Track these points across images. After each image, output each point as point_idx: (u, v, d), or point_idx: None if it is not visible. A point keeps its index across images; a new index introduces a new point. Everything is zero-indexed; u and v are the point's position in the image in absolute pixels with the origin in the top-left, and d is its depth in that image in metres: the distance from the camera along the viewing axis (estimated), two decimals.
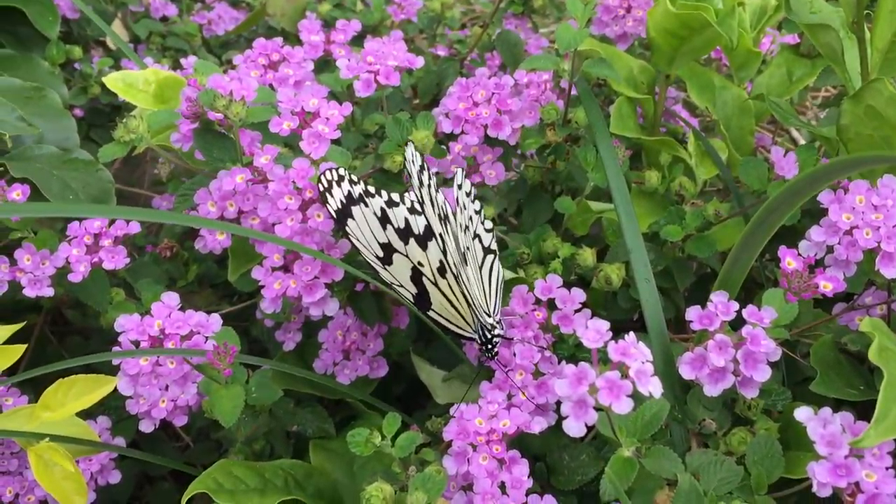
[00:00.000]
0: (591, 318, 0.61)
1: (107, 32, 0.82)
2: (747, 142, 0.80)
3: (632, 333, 0.47)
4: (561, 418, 0.61)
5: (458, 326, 0.61)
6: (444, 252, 0.58)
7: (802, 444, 0.56)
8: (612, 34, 0.85)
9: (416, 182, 0.59)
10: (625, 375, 0.45)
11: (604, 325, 0.48)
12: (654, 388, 0.45)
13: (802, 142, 1.06)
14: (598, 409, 0.46)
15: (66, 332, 0.93)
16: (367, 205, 0.60)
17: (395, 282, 0.60)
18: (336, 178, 0.60)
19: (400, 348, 0.75)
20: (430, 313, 0.61)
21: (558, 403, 0.61)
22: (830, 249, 0.56)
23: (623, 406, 0.44)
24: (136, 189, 1.08)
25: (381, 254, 0.60)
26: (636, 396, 0.46)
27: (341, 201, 0.59)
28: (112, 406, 0.71)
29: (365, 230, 0.60)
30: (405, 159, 0.60)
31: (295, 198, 0.62)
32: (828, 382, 0.58)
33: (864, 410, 0.61)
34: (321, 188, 0.59)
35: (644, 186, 0.72)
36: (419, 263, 0.60)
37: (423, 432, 0.62)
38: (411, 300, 0.61)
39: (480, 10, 1.40)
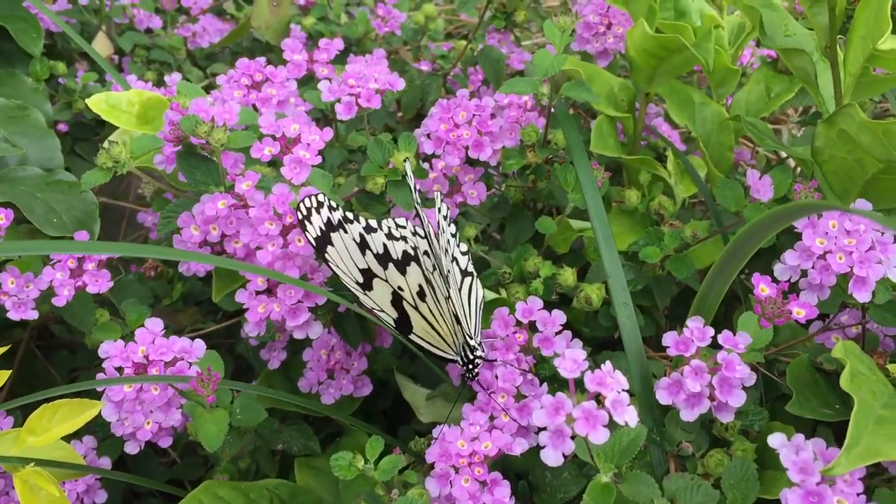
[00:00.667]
0: (572, 339, 0.62)
1: (89, 52, 0.82)
2: (727, 158, 0.81)
3: (608, 362, 0.48)
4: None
5: (439, 349, 0.62)
6: (441, 273, 0.59)
7: (779, 463, 0.57)
8: (592, 51, 0.85)
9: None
10: (601, 405, 0.46)
11: (580, 354, 0.48)
12: (629, 417, 0.46)
13: (784, 154, 1.07)
14: (574, 437, 0.47)
15: (51, 347, 0.93)
16: (346, 231, 0.61)
17: (376, 307, 0.61)
18: (315, 204, 0.60)
19: (384, 366, 0.75)
20: (412, 337, 0.62)
21: None
22: (804, 273, 0.57)
23: (599, 436, 0.45)
24: (121, 202, 1.08)
25: (361, 279, 0.61)
26: (613, 424, 0.47)
27: (321, 228, 0.60)
28: (98, 424, 0.72)
29: (345, 256, 0.61)
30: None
31: (276, 223, 0.62)
32: (803, 403, 0.58)
33: (840, 430, 0.63)
34: (300, 216, 0.59)
35: (624, 205, 0.73)
36: (399, 288, 0.61)
37: (407, 452, 0.63)
38: (392, 325, 0.61)
39: (466, 18, 1.40)
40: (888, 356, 0.61)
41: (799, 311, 0.54)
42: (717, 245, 0.71)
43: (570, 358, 0.48)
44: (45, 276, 0.67)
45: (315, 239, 0.59)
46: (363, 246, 0.61)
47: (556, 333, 0.62)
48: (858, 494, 0.47)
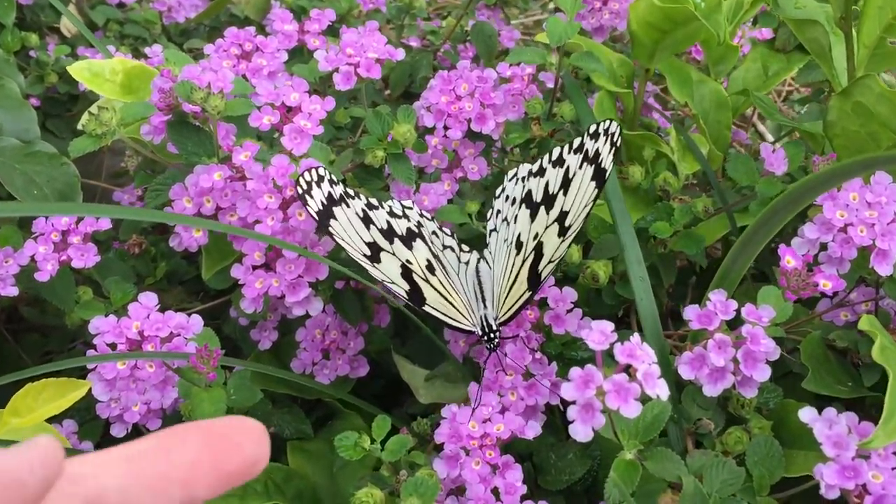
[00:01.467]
0: (582, 317, 0.61)
1: (69, 19, 0.78)
2: (724, 136, 0.79)
3: (637, 334, 0.46)
4: (550, 419, 0.61)
5: (454, 319, 0.59)
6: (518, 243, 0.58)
7: (796, 441, 0.56)
8: (588, 26, 0.84)
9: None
10: (632, 378, 0.44)
11: (608, 325, 0.46)
12: (661, 390, 0.45)
13: (769, 136, 1.06)
14: (604, 412, 0.45)
15: (21, 330, 0.89)
16: (348, 206, 0.58)
17: (387, 279, 0.58)
18: (316, 178, 0.57)
19: (379, 346, 0.73)
20: (426, 308, 0.59)
21: (547, 405, 0.60)
22: (824, 246, 0.56)
23: (632, 409, 0.43)
24: (94, 181, 1.04)
25: (368, 252, 0.58)
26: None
27: (322, 202, 0.57)
28: (76, 408, 0.68)
29: (349, 230, 0.58)
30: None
31: (275, 196, 0.59)
32: (819, 380, 0.57)
33: (851, 407, 0.62)
34: (300, 190, 0.56)
35: (627, 182, 0.71)
36: (407, 261, 0.59)
37: (409, 433, 0.61)
38: (405, 296, 0.59)
39: (444, 0, 1.38)
40: None
41: (825, 283, 0.53)
42: (721, 222, 0.70)
43: (598, 330, 0.46)
44: (27, 251, 0.63)
45: (317, 213, 0.57)
46: (367, 221, 0.59)
47: (568, 311, 0.60)
48: (893, 468, 0.46)
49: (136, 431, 0.72)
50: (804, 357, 0.59)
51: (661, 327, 0.57)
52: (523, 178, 0.61)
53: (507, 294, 0.59)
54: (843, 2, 0.60)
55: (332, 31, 0.91)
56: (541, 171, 0.59)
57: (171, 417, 0.62)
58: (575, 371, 0.44)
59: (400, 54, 0.71)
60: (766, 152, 0.63)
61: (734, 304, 0.52)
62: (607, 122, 0.56)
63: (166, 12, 1.12)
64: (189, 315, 0.61)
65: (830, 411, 0.48)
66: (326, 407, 0.74)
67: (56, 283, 0.66)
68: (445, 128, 0.69)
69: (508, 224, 0.61)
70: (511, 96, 0.69)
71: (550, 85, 0.72)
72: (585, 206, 0.56)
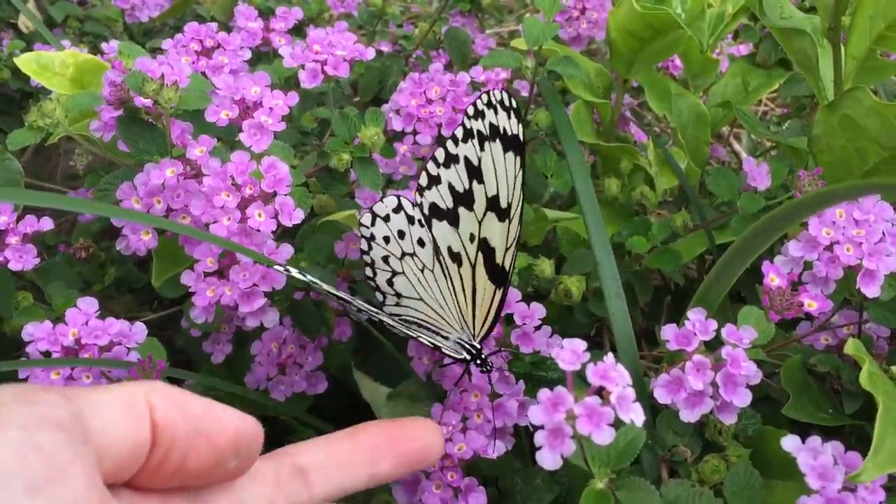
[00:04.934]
0: (551, 335, 0.58)
1: (26, 14, 0.74)
2: (703, 152, 0.77)
3: (611, 354, 0.43)
4: (519, 441, 0.57)
5: (448, 353, 0.53)
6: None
7: (775, 470, 0.53)
8: (565, 36, 0.82)
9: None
10: (606, 401, 0.41)
11: (580, 344, 0.43)
12: (636, 415, 0.41)
13: (744, 154, 1.04)
14: (574, 438, 0.42)
15: None
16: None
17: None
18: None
19: (339, 362, 0.69)
20: (445, 350, 0.53)
21: (515, 426, 0.57)
22: (808, 265, 0.53)
23: (604, 436, 0.40)
24: (47, 183, 1.00)
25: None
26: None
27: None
28: None
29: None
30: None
31: (233, 195, 0.55)
32: (800, 406, 0.55)
33: (829, 434, 0.59)
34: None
35: (603, 195, 0.68)
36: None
37: None
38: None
39: (418, 9, 1.35)
40: (884, 359, 0.58)
41: (811, 304, 0.50)
42: (698, 239, 0.67)
43: (570, 349, 0.42)
44: None
45: None
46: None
47: (536, 329, 0.57)
48: (880, 503, 0.43)
49: None
50: (785, 382, 0.56)
51: (636, 347, 0.53)
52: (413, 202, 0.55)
53: (474, 309, 0.54)
54: (831, 12, 0.57)
55: (300, 33, 0.88)
56: (435, 180, 0.54)
57: None
58: (543, 393, 0.41)
59: (370, 53, 0.67)
60: (750, 166, 0.60)
61: (714, 324, 0.49)
62: (493, 92, 0.51)
63: (129, 10, 1.08)
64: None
65: (815, 440, 0.44)
66: (282, 425, 0.70)
67: None
68: (414, 132, 0.65)
69: (424, 245, 0.55)
70: None
71: (525, 94, 0.69)
72: (516, 178, 0.51)
